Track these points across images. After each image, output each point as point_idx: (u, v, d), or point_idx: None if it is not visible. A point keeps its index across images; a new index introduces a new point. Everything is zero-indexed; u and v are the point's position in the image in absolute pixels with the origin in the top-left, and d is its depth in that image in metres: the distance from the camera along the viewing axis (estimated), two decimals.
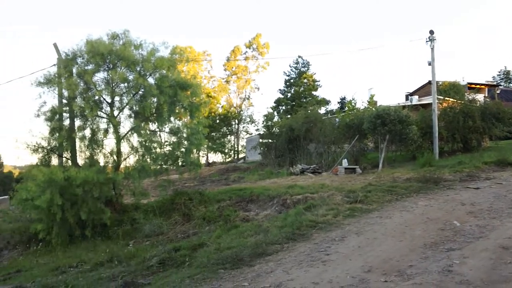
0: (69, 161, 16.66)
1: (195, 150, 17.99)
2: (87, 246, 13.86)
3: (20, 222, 17.07)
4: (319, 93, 55.68)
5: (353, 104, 30.25)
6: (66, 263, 11.75)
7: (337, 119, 28.10)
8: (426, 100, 29.77)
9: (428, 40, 23.18)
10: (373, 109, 23.75)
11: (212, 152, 54.52)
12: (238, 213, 14.06)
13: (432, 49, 23.03)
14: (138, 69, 16.27)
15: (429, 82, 29.28)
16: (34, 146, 15.95)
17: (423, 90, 38.04)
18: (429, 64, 23.21)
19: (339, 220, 9.96)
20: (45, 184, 13.79)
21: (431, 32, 23.22)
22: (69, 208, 14.22)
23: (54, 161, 16.60)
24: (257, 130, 45.99)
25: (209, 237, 10.91)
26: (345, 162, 21.60)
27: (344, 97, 54.03)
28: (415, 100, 31.36)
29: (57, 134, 15.98)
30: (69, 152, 16.58)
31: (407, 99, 36.10)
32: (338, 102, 54.89)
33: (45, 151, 16.32)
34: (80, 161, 16.49)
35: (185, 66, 43.77)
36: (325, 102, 53.95)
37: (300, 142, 27.32)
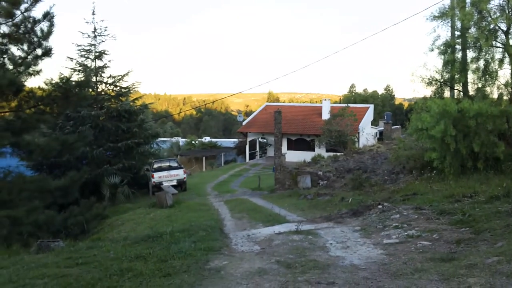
0: (461, 94, 16.77)
1: None
2: (479, 178, 13.83)
3: (413, 150, 18.64)
4: None
5: None
6: (459, 192, 12.05)
7: None
8: None
9: None
10: None
11: None
12: None
13: None
14: None
15: None
16: (428, 79, 16.63)
17: None
18: None
19: None
20: (439, 115, 14.41)
21: None
22: (462, 140, 14.46)
23: (446, 93, 17.02)
24: None
25: None
26: None
27: None
28: None
29: (450, 66, 16.13)
30: (461, 84, 16.65)
31: None
32: None
33: (438, 83, 16.81)
34: (472, 93, 16.31)
35: None
36: None
37: None
